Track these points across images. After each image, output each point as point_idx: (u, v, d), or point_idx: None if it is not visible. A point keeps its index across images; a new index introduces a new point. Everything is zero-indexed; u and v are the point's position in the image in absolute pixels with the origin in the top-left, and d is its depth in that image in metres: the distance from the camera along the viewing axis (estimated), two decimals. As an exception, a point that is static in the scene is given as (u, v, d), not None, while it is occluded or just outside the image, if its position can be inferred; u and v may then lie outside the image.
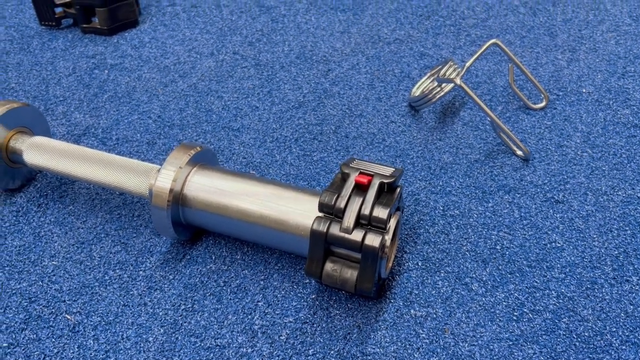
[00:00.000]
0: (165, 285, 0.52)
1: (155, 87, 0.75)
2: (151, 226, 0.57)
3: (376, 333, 0.48)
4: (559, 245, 0.54)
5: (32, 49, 0.83)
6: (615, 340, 0.47)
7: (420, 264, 0.53)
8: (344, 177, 0.48)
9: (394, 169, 0.49)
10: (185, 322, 0.49)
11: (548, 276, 0.52)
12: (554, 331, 0.48)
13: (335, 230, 0.46)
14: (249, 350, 0.47)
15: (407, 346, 0.47)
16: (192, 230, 0.55)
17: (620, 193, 0.59)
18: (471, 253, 0.54)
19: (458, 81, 0.61)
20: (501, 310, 0.49)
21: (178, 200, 0.52)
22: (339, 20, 0.87)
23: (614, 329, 0.48)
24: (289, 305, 0.50)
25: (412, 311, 0.49)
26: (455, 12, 0.88)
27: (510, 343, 0.47)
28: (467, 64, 0.64)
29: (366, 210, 0.45)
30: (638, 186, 0.60)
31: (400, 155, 0.64)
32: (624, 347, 0.46)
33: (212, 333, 0.48)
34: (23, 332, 0.49)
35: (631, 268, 0.52)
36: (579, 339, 0.47)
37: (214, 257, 0.54)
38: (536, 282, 0.51)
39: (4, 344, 0.48)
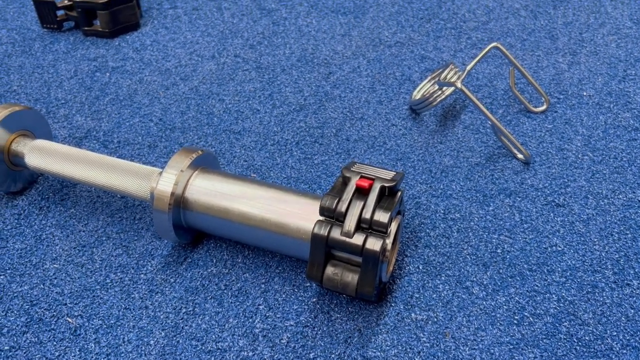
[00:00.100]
0: (167, 289, 0.52)
1: (157, 90, 0.76)
2: (152, 229, 0.57)
3: (377, 337, 0.48)
4: (560, 249, 0.54)
5: (34, 51, 0.83)
6: (616, 344, 0.47)
7: (421, 267, 0.53)
8: (345, 181, 0.48)
9: (395, 173, 0.49)
10: (186, 326, 0.49)
11: (549, 280, 0.52)
12: (554, 335, 0.48)
13: (336, 234, 0.46)
14: (250, 353, 0.47)
15: (408, 350, 0.47)
16: (193, 233, 0.56)
17: (621, 197, 0.59)
18: (472, 257, 0.54)
19: (459, 84, 0.61)
20: (502, 314, 0.49)
21: (179, 203, 0.52)
22: (340, 23, 0.87)
23: (615, 333, 0.48)
24: (290, 309, 0.50)
25: (412, 315, 0.49)
26: (456, 15, 0.88)
27: (511, 347, 0.47)
28: (468, 67, 0.64)
29: (367, 214, 0.46)
30: (639, 190, 0.60)
31: (401, 158, 0.64)
32: (624, 351, 0.47)
33: (213, 336, 0.48)
34: (24, 335, 0.49)
35: (632, 272, 0.52)
36: (580, 343, 0.47)
37: (215, 261, 0.54)
38: (537, 285, 0.51)
39: (6, 347, 0.48)
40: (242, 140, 0.67)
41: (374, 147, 0.66)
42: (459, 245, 0.55)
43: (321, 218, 0.47)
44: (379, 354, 0.47)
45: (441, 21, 0.87)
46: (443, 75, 0.67)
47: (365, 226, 0.46)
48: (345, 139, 0.67)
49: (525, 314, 0.49)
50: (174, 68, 0.79)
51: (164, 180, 0.51)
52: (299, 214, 0.49)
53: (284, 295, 0.51)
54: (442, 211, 0.58)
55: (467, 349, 0.47)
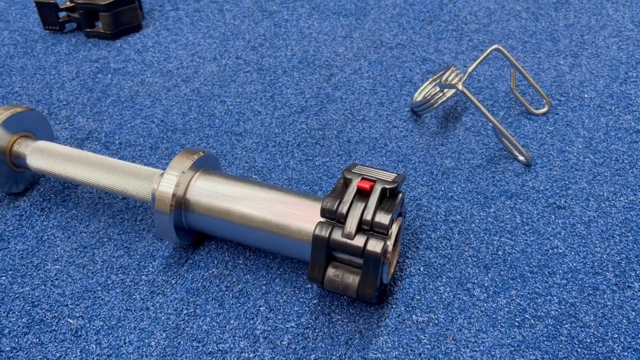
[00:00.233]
0: (168, 290, 0.52)
1: (158, 91, 0.76)
2: (154, 230, 0.57)
3: (378, 338, 0.48)
4: (561, 251, 0.54)
5: (36, 53, 0.83)
6: (617, 346, 0.47)
7: (422, 269, 0.53)
8: (346, 183, 0.48)
9: (396, 175, 0.49)
10: (187, 327, 0.49)
11: (550, 282, 0.52)
12: (555, 337, 0.48)
13: (337, 235, 0.46)
14: (251, 355, 0.47)
15: (409, 352, 0.47)
16: (195, 234, 0.56)
17: (622, 199, 0.59)
18: (473, 258, 0.54)
19: (460, 86, 0.61)
20: (503, 316, 0.49)
21: (181, 204, 0.52)
22: (342, 25, 0.87)
23: (616, 335, 0.48)
24: (290, 310, 0.50)
25: (413, 317, 0.49)
26: (458, 17, 0.88)
27: (512, 349, 0.47)
28: (469, 69, 0.64)
29: (368, 216, 0.46)
30: (640, 192, 0.60)
31: (402, 160, 0.64)
32: (625, 354, 0.46)
33: (214, 338, 0.48)
34: (26, 336, 0.49)
35: (633, 274, 0.52)
36: (581, 345, 0.47)
37: (216, 262, 0.54)
38: (538, 287, 0.51)
39: (7, 348, 0.48)
40: (243, 142, 0.68)
41: (375, 148, 0.66)
42: (460, 247, 0.55)
43: (322, 220, 0.47)
44: (379, 355, 0.47)
45: (442, 23, 0.87)
46: (444, 77, 0.67)
47: (367, 228, 0.46)
48: (346, 140, 0.67)
49: (526, 316, 0.49)
50: (176, 69, 0.79)
51: (166, 182, 0.51)
52: (300, 215, 0.49)
53: (285, 297, 0.51)
54: (443, 213, 0.58)
55: (468, 350, 0.47)
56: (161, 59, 0.81)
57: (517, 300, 0.50)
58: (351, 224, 0.45)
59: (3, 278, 0.54)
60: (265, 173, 0.64)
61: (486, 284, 0.52)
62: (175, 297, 0.52)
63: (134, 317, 0.50)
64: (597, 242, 0.55)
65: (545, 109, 0.70)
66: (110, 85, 0.77)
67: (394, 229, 0.47)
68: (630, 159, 0.63)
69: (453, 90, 0.67)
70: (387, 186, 0.47)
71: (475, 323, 0.49)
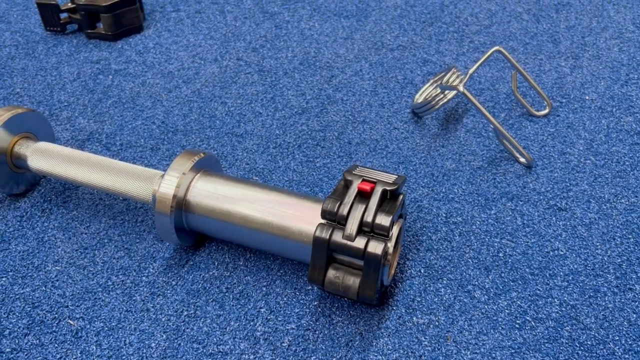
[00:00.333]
0: (168, 291, 0.52)
1: (159, 92, 0.76)
2: (154, 232, 0.57)
3: (378, 340, 0.48)
4: (562, 253, 0.54)
5: (37, 54, 0.83)
6: (618, 348, 0.47)
7: (422, 271, 0.53)
8: (347, 184, 0.48)
9: (396, 176, 0.49)
10: (187, 328, 0.49)
11: (551, 284, 0.52)
12: (556, 339, 0.48)
13: (337, 237, 0.46)
14: (251, 357, 0.47)
15: (410, 354, 0.47)
16: (195, 236, 0.56)
17: (623, 201, 0.59)
18: (474, 260, 0.54)
19: (461, 88, 0.61)
20: (503, 318, 0.49)
21: (181, 206, 0.52)
22: (343, 26, 0.87)
23: (617, 338, 0.48)
24: (291, 312, 0.50)
25: (414, 319, 0.49)
26: (459, 19, 0.88)
27: (513, 351, 0.47)
28: (470, 71, 0.64)
29: (369, 218, 0.46)
30: (641, 194, 0.60)
31: (403, 161, 0.64)
32: (626, 356, 0.46)
33: (215, 339, 0.48)
34: (26, 338, 0.49)
35: (634, 276, 0.52)
36: (582, 348, 0.47)
37: (216, 263, 0.54)
38: (539, 290, 0.51)
39: (7, 349, 0.48)
40: (244, 143, 0.68)
41: (375, 150, 0.66)
42: (460, 249, 0.55)
43: (323, 221, 0.47)
44: (380, 357, 0.47)
45: (443, 25, 0.87)
46: (445, 79, 0.67)
47: (367, 229, 0.46)
48: (347, 142, 0.67)
49: (527, 318, 0.49)
50: (177, 71, 0.79)
51: (166, 183, 0.51)
52: (300, 217, 0.49)
53: (285, 299, 0.51)
54: (444, 215, 0.58)
55: (469, 353, 0.47)
56: (162, 60, 0.81)
57: (518, 302, 0.50)
58: (352, 226, 0.45)
59: (4, 279, 0.54)
60: (266, 174, 0.64)
61: (487, 286, 0.52)
62: (176, 298, 0.52)
63: (134, 319, 0.50)
64: (598, 244, 0.55)
65: (546, 111, 0.70)
66: (111, 87, 0.77)
67: (395, 231, 0.47)
68: (631, 160, 0.63)
69: (454, 92, 0.67)
70: (388, 188, 0.47)
71: (476, 325, 0.49)
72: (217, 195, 0.51)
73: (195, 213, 0.52)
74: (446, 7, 0.91)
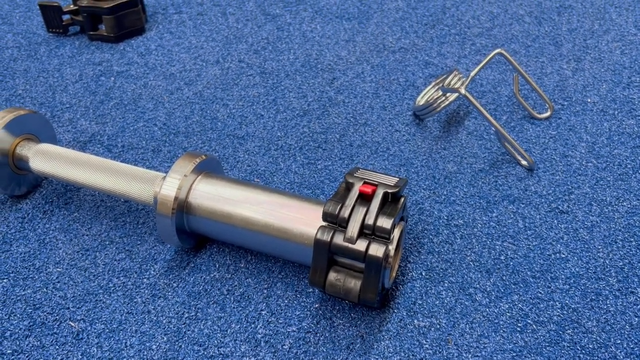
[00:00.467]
0: (169, 293, 0.52)
1: (161, 94, 0.76)
2: (155, 234, 0.57)
3: (379, 343, 0.48)
4: (564, 256, 0.54)
5: (40, 55, 0.83)
6: (620, 352, 0.47)
7: (424, 273, 0.53)
8: (348, 187, 0.48)
9: (398, 179, 0.49)
10: (188, 331, 0.49)
11: (552, 287, 0.51)
12: (558, 343, 0.47)
13: (339, 239, 0.46)
14: (252, 359, 0.47)
15: (411, 357, 0.47)
16: (196, 238, 0.56)
17: (625, 204, 0.59)
18: (475, 263, 0.54)
19: (463, 91, 0.61)
20: (505, 321, 0.49)
21: (183, 208, 0.52)
22: (344, 28, 0.87)
23: (619, 341, 0.47)
24: (292, 315, 0.50)
25: (415, 321, 0.49)
26: (460, 21, 0.88)
27: (514, 354, 0.47)
28: (472, 74, 0.64)
29: (370, 220, 0.45)
30: (643, 197, 0.60)
31: (405, 164, 0.64)
32: (628, 360, 0.46)
33: (216, 342, 0.48)
34: (27, 339, 0.49)
35: (636, 280, 0.52)
36: (583, 351, 0.47)
37: (217, 266, 0.54)
38: (540, 293, 0.51)
39: (8, 351, 0.48)
40: (245, 145, 0.68)
41: (377, 152, 0.66)
42: (462, 251, 0.55)
43: (324, 224, 0.47)
44: (381, 360, 0.47)
45: (445, 27, 0.87)
46: (447, 81, 0.67)
47: (368, 232, 0.46)
48: (348, 144, 0.67)
49: (529, 321, 0.49)
50: (179, 73, 0.79)
51: (168, 185, 0.51)
52: (302, 219, 0.49)
53: (286, 301, 0.51)
54: (446, 217, 0.58)
55: (470, 356, 0.47)
56: (164, 62, 0.81)
57: (520, 305, 0.50)
58: (353, 228, 0.45)
59: (5, 281, 0.54)
60: (267, 176, 0.64)
61: (488, 289, 0.51)
62: (177, 300, 0.52)
63: (135, 321, 0.50)
64: (599, 247, 0.55)
65: (548, 114, 0.70)
66: (113, 88, 0.77)
67: (396, 234, 0.47)
68: (633, 163, 0.63)
69: (456, 95, 0.67)
70: (389, 190, 0.47)
71: (477, 328, 0.49)
72: (218, 197, 0.51)
73: (196, 215, 0.52)
74: (448, 10, 0.91)
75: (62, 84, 0.78)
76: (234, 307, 0.51)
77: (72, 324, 0.50)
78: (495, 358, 0.47)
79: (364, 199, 0.47)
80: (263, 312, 0.50)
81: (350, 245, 0.45)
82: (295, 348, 0.48)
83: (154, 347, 0.48)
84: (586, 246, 0.55)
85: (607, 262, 0.53)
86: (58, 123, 0.71)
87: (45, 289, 0.53)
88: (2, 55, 0.84)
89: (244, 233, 0.51)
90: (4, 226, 0.59)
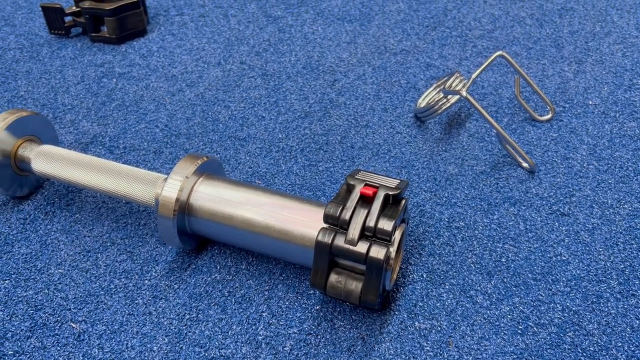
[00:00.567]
0: (170, 295, 0.52)
1: (163, 96, 0.76)
2: (157, 235, 0.58)
3: (380, 345, 0.48)
4: (565, 258, 0.54)
5: (42, 57, 0.84)
6: (621, 355, 0.47)
7: (425, 276, 0.53)
8: (350, 189, 0.48)
9: (399, 181, 0.49)
10: (189, 332, 0.49)
11: (553, 289, 0.51)
12: (559, 345, 0.47)
13: (340, 241, 0.46)
14: (253, 361, 0.47)
15: (411, 359, 0.47)
16: (198, 239, 0.56)
17: (626, 206, 0.59)
18: (476, 265, 0.54)
19: (464, 93, 0.61)
20: (506, 323, 0.49)
21: (184, 209, 0.52)
22: (346, 30, 0.87)
23: (620, 344, 0.47)
24: (293, 316, 0.50)
25: (416, 323, 0.49)
26: (462, 23, 0.88)
27: (515, 357, 0.47)
28: (473, 76, 0.64)
29: (371, 222, 0.46)
30: (644, 199, 0.60)
31: (406, 166, 0.64)
32: (629, 363, 0.46)
33: (217, 343, 0.48)
34: (29, 340, 0.49)
35: (637, 282, 0.52)
36: (585, 354, 0.47)
37: (219, 267, 0.54)
38: (541, 295, 0.51)
39: (10, 352, 0.48)
40: (247, 147, 0.68)
41: (378, 154, 0.66)
42: (463, 253, 0.55)
43: (325, 225, 0.47)
44: (382, 362, 0.47)
45: (447, 29, 0.87)
46: (448, 84, 0.67)
47: (369, 234, 0.46)
48: (349, 146, 0.67)
49: (530, 323, 0.49)
50: (180, 74, 0.79)
51: (169, 187, 0.51)
52: (303, 221, 0.49)
53: (287, 303, 0.51)
54: (447, 219, 0.58)
55: (471, 358, 0.47)
56: (166, 64, 0.82)
57: (520, 307, 0.50)
58: (354, 230, 0.45)
59: (7, 282, 0.54)
60: (268, 178, 0.64)
61: (489, 291, 0.51)
62: (178, 302, 0.52)
63: (136, 322, 0.50)
64: (601, 249, 0.55)
65: (549, 116, 0.70)
66: (115, 90, 0.77)
67: (397, 236, 0.47)
68: (634, 166, 0.63)
69: (457, 97, 0.67)
70: (390, 192, 0.47)
71: (478, 330, 0.49)
72: (219, 198, 0.52)
73: (197, 216, 0.52)
74: (449, 12, 0.91)
75: (64, 85, 0.78)
76: (235, 309, 0.51)
77: (74, 325, 0.50)
78: (496, 360, 0.47)
79: (365, 201, 0.47)
80: (264, 314, 0.50)
81: (351, 247, 0.45)
82: (296, 350, 0.48)
83: (155, 348, 0.48)
84: (587, 248, 0.55)
85: (608, 264, 0.53)
86: (60, 124, 0.72)
87: (46, 290, 0.53)
88: (4, 56, 0.84)
89: (245, 235, 0.51)
90: (6, 227, 0.59)
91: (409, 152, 0.66)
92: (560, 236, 0.56)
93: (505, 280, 0.52)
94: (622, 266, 0.53)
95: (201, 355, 0.48)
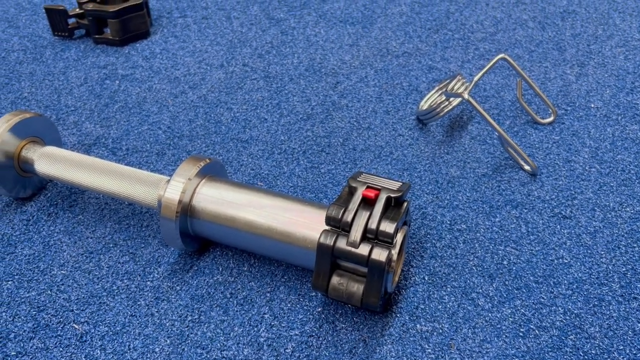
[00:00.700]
0: (172, 296, 0.52)
1: (166, 98, 0.76)
2: (159, 237, 0.58)
3: (382, 347, 0.48)
4: (566, 261, 0.54)
5: (45, 59, 0.84)
6: (623, 358, 0.47)
7: (426, 278, 0.53)
8: (351, 191, 0.48)
9: (401, 183, 0.49)
10: (191, 334, 0.49)
11: (555, 292, 0.51)
12: (560, 348, 0.47)
13: (341, 244, 0.46)
14: (255, 362, 0.47)
15: (413, 361, 0.47)
16: (200, 241, 0.56)
17: (628, 209, 0.59)
18: (478, 268, 0.54)
19: (466, 96, 0.61)
20: (507, 326, 0.49)
21: (186, 211, 0.52)
22: (348, 33, 0.88)
23: (621, 347, 0.47)
24: (295, 318, 0.50)
25: (418, 326, 0.49)
26: (464, 26, 0.88)
27: (517, 359, 0.47)
28: (475, 79, 0.64)
29: (373, 225, 0.46)
30: (646, 203, 0.60)
31: (408, 168, 0.64)
32: (631, 366, 0.46)
33: (218, 345, 0.49)
34: (31, 341, 0.49)
35: (639, 285, 0.52)
36: (586, 357, 0.47)
37: (221, 269, 0.54)
38: (543, 298, 0.51)
39: (13, 353, 0.49)
40: (249, 149, 0.68)
41: (380, 156, 0.66)
42: (464, 256, 0.55)
43: (327, 228, 0.47)
44: (383, 364, 0.47)
45: (449, 32, 0.87)
46: (450, 86, 0.67)
47: (371, 236, 0.46)
48: (352, 148, 0.67)
49: (531, 326, 0.49)
50: (183, 76, 0.80)
51: (172, 188, 0.51)
52: (305, 223, 0.49)
53: (289, 305, 0.51)
54: (448, 222, 0.58)
55: (472, 361, 0.47)
56: (169, 66, 0.82)
57: (522, 310, 0.50)
58: (356, 233, 0.46)
59: (9, 282, 0.54)
60: (270, 180, 0.64)
61: (491, 294, 0.51)
62: (180, 303, 0.52)
63: (138, 323, 0.50)
64: (602, 252, 0.55)
65: (551, 119, 0.70)
66: (117, 92, 0.77)
67: (399, 238, 0.47)
68: (636, 169, 0.63)
69: (459, 99, 0.67)
70: (392, 195, 0.47)
71: (480, 333, 0.49)
72: (222, 200, 0.52)
73: (200, 218, 0.52)
74: (452, 14, 0.91)
75: (68, 87, 0.78)
76: (237, 311, 0.51)
77: (76, 326, 0.50)
78: (497, 363, 0.47)
79: (367, 203, 0.47)
80: (266, 316, 0.51)
81: (353, 250, 0.45)
82: (297, 352, 0.48)
83: (157, 349, 0.48)
84: (589, 251, 0.55)
85: (610, 267, 0.53)
86: (63, 126, 0.72)
87: (49, 291, 0.53)
88: (8, 58, 0.84)
89: (247, 237, 0.51)
90: (9, 228, 0.59)
91: (411, 155, 0.66)
92: (562, 239, 0.56)
93: (507, 282, 0.52)
94: (624, 269, 0.53)
95: (203, 356, 0.48)
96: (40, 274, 0.55)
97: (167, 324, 0.50)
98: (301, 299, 0.52)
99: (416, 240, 0.57)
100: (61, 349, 0.49)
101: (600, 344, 0.48)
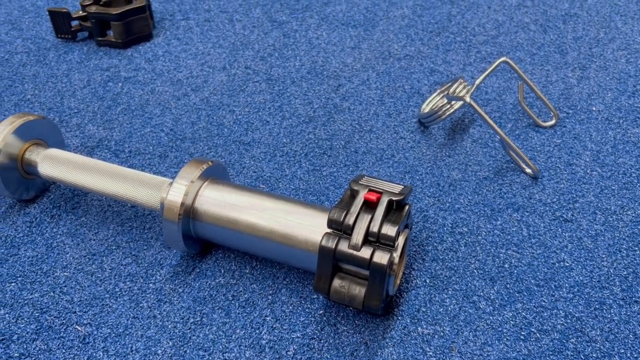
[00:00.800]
0: (175, 298, 0.53)
1: (168, 100, 0.76)
2: (162, 239, 0.58)
3: (383, 350, 0.48)
4: (568, 264, 0.54)
5: (48, 61, 0.84)
6: (624, 361, 0.47)
7: (428, 281, 0.53)
8: (353, 194, 0.48)
9: (403, 187, 0.49)
10: (193, 336, 0.50)
11: (556, 296, 0.52)
12: (561, 352, 0.48)
13: (343, 246, 0.46)
14: (257, 365, 0.47)
15: (414, 364, 0.47)
16: (202, 243, 0.56)
17: (629, 213, 0.59)
18: (479, 271, 0.54)
19: (467, 99, 0.62)
20: (508, 329, 0.49)
21: (189, 214, 0.52)
22: (350, 35, 0.88)
23: (622, 351, 0.47)
24: (296, 321, 0.50)
25: (419, 329, 0.49)
26: (466, 29, 0.88)
27: (518, 363, 0.47)
28: (477, 82, 0.65)
29: (375, 228, 0.46)
30: (648, 206, 0.60)
31: (409, 171, 0.65)
32: (632, 369, 0.46)
33: (220, 347, 0.49)
34: (34, 343, 0.50)
35: (640, 289, 0.52)
36: (587, 360, 0.47)
37: (223, 271, 0.55)
38: (544, 301, 0.51)
39: (16, 354, 0.49)
40: (251, 152, 0.68)
41: (382, 159, 0.66)
42: (466, 259, 0.55)
43: (329, 230, 0.47)
44: (385, 367, 0.47)
45: (451, 35, 0.87)
46: (452, 89, 0.67)
47: (373, 239, 0.46)
48: (353, 151, 0.68)
49: (532, 329, 0.49)
50: (186, 79, 0.80)
51: (174, 191, 0.51)
52: (307, 226, 0.49)
53: (291, 307, 0.52)
54: (450, 225, 0.58)
55: (474, 364, 0.47)
56: (171, 68, 0.82)
57: (523, 313, 0.50)
58: (358, 236, 0.46)
59: (13, 284, 0.54)
60: (272, 183, 0.64)
61: (492, 297, 0.52)
62: (182, 305, 0.52)
63: (141, 325, 0.51)
64: (604, 256, 0.55)
65: (552, 122, 0.70)
66: (120, 94, 0.78)
67: (401, 241, 0.48)
68: (638, 172, 0.63)
69: (460, 102, 0.67)
70: (394, 198, 0.47)
71: (481, 336, 0.49)
72: (224, 203, 0.52)
73: (202, 221, 0.52)
74: (453, 17, 0.91)
75: (71, 89, 0.79)
76: (238, 313, 0.51)
77: (79, 328, 0.51)
78: (498, 366, 0.47)
79: (369, 206, 0.47)
80: (268, 318, 0.51)
81: (354, 253, 0.45)
82: (299, 354, 0.48)
83: (159, 351, 0.49)
84: (590, 255, 0.55)
85: (611, 271, 0.54)
86: (66, 128, 0.72)
87: (52, 293, 0.53)
88: (11, 60, 0.85)
89: (249, 239, 0.51)
90: (12, 230, 0.59)
91: (412, 158, 0.66)
92: (563, 242, 0.56)
93: (508, 286, 0.52)
94: (625, 273, 0.53)
95: (205, 358, 0.48)
96: (43, 275, 0.55)
97: (170, 326, 0.50)
98: (303, 302, 0.52)
99: (417, 243, 0.57)
100: (64, 351, 0.49)
101: (602, 347, 0.48)
